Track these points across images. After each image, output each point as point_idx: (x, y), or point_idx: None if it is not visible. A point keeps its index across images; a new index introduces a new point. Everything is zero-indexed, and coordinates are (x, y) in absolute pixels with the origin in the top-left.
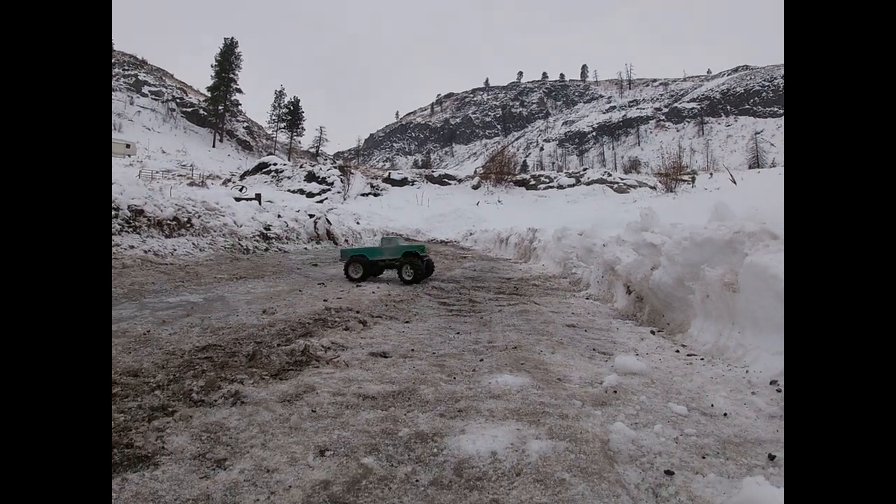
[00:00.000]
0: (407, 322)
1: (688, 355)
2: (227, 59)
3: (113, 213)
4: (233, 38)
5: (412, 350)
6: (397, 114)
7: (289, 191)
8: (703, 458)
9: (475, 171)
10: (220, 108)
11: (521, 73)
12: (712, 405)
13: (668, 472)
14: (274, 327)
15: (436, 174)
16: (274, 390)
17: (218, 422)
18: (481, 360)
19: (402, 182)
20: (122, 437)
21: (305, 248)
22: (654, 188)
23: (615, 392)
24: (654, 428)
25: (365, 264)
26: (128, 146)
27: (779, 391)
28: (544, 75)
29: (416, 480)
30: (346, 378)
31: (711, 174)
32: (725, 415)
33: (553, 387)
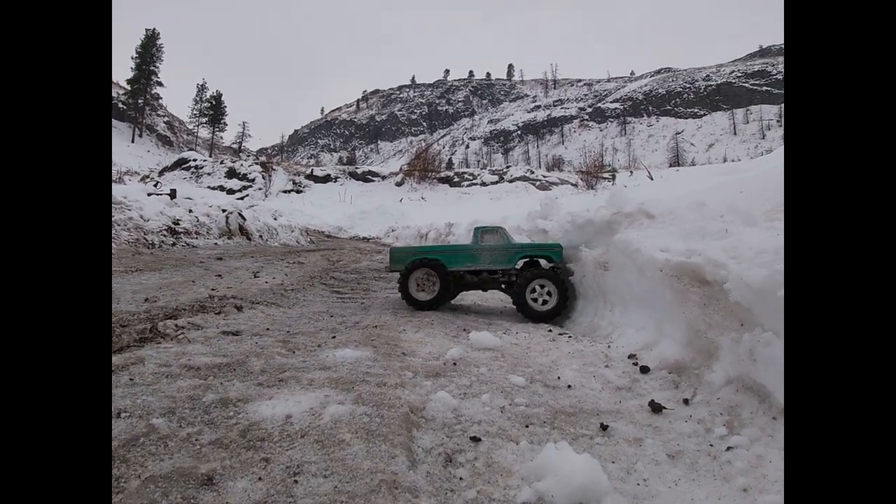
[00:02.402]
0: (286, 308)
1: (558, 335)
2: (148, 51)
3: None
4: (154, 28)
5: (267, 329)
6: (322, 110)
7: (209, 187)
8: (526, 427)
9: (400, 169)
10: (139, 101)
11: (447, 71)
12: (559, 378)
13: (475, 439)
14: (148, 313)
15: (360, 171)
16: None
17: None
18: (333, 337)
19: (326, 179)
20: None
21: (216, 244)
22: (575, 185)
23: (454, 364)
24: (481, 398)
25: (443, 274)
26: None
27: (635, 364)
28: (471, 73)
29: (197, 440)
30: (181, 352)
31: (632, 172)
32: (569, 387)
33: (392, 359)
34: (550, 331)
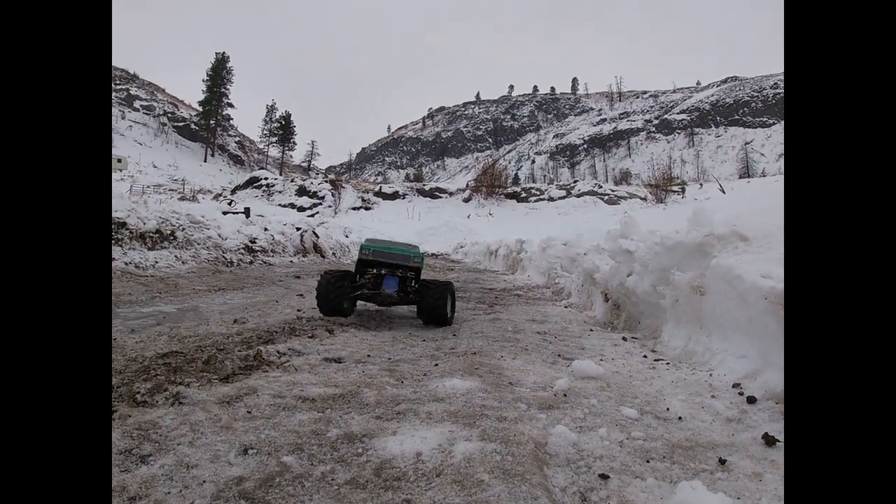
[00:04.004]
0: (374, 330)
1: (655, 360)
2: (219, 74)
3: None
4: (224, 52)
5: (368, 356)
6: (389, 128)
7: (280, 205)
8: (647, 462)
9: (466, 185)
10: (211, 122)
11: (511, 87)
12: (667, 409)
13: (604, 476)
14: (241, 336)
15: (427, 187)
16: (216, 392)
17: (153, 420)
18: (436, 364)
19: (394, 196)
20: None
21: (291, 261)
22: (644, 199)
23: (565, 396)
24: (598, 431)
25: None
26: (119, 161)
27: (740, 395)
28: (535, 88)
29: (332, 479)
30: (291, 381)
31: (701, 185)
32: (680, 418)
33: (501, 390)
34: (646, 357)
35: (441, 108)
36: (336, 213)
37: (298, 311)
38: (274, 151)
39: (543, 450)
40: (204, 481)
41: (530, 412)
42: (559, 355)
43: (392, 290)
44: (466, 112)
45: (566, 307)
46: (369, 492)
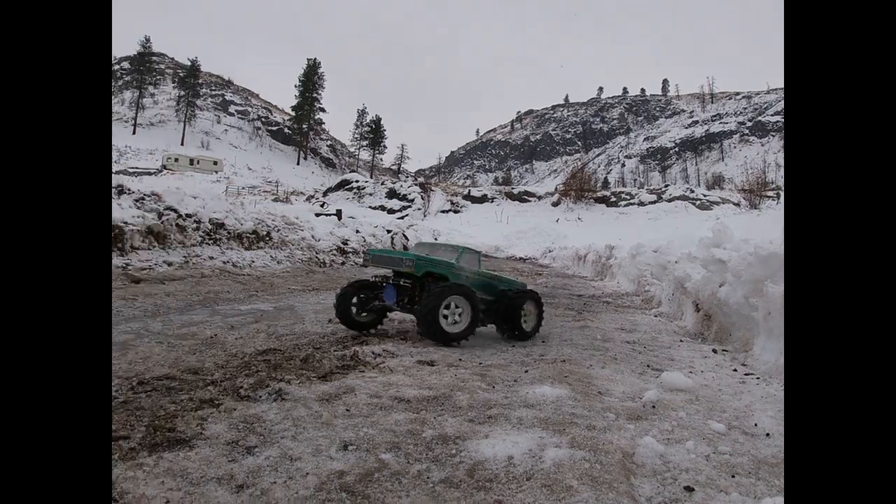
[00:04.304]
0: None
1: (745, 374)
2: (311, 79)
3: (195, 225)
4: (315, 58)
5: (459, 360)
6: (477, 131)
7: (370, 207)
8: (732, 476)
9: (555, 188)
10: (303, 126)
11: (601, 89)
12: (756, 424)
13: (688, 489)
14: (335, 335)
15: (515, 191)
16: (316, 390)
17: (257, 414)
18: (526, 371)
19: (482, 199)
20: (167, 423)
21: None
22: (737, 205)
23: (654, 407)
24: (685, 444)
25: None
26: (215, 163)
27: None
28: (625, 90)
29: (428, 477)
30: (387, 382)
31: None
32: (768, 435)
33: (590, 399)
34: (736, 370)
35: (529, 111)
36: (425, 215)
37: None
38: (364, 155)
39: (631, 460)
40: (307, 473)
41: (619, 422)
42: (648, 366)
43: (391, 301)
44: (555, 115)
45: (656, 316)
46: (462, 491)
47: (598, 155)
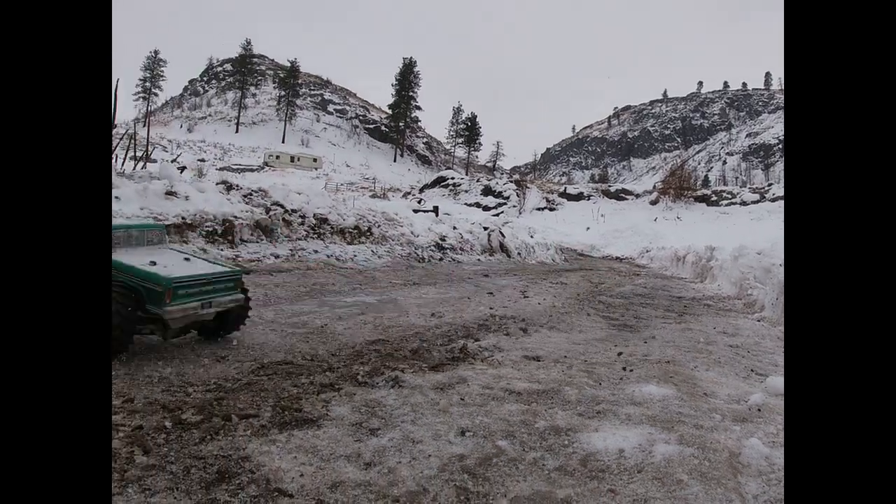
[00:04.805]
0: (567, 332)
1: None
2: (407, 78)
3: (300, 220)
4: (411, 57)
5: (564, 357)
6: (574, 128)
7: (465, 204)
8: None
9: (654, 186)
10: (400, 124)
11: (700, 83)
12: None
13: None
14: (439, 329)
15: (612, 189)
16: (430, 379)
17: (377, 399)
18: (631, 370)
19: (578, 197)
20: (293, 403)
21: (478, 260)
22: None
23: (759, 411)
24: None
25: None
26: (315, 160)
27: None
28: (725, 84)
29: (543, 465)
30: (497, 375)
31: None
32: None
33: (696, 400)
34: None
35: (627, 107)
36: (520, 213)
37: (490, 308)
38: (460, 152)
39: (737, 459)
40: (429, 455)
41: (725, 423)
42: (752, 370)
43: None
44: (653, 111)
45: (758, 321)
46: (576, 479)
47: (697, 152)
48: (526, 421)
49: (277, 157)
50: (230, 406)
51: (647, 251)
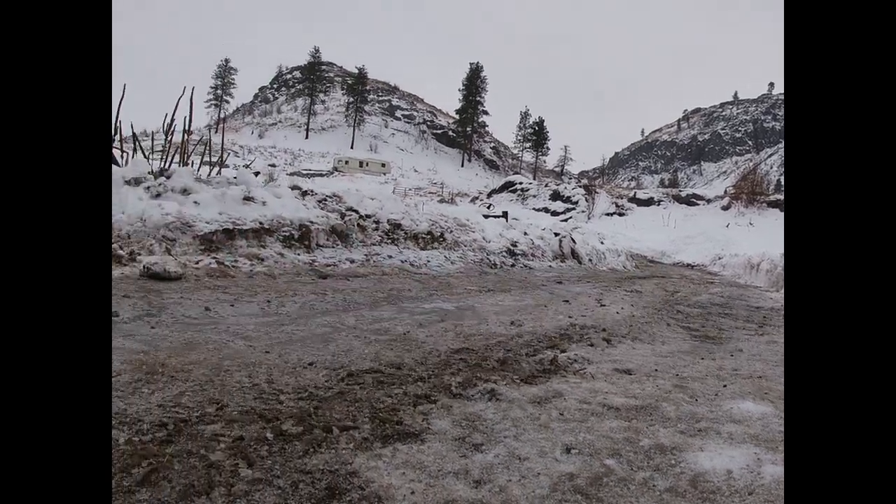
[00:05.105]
0: (650, 344)
1: None
2: (474, 83)
3: (374, 225)
4: (478, 62)
5: (655, 370)
6: (643, 131)
7: (534, 209)
8: None
9: (725, 191)
10: (467, 129)
11: (772, 85)
12: None
13: None
14: (521, 338)
15: (683, 194)
16: (525, 392)
17: (475, 413)
18: (724, 385)
19: (648, 202)
20: (392, 415)
21: (550, 266)
22: None
23: None
24: None
25: None
26: (383, 165)
27: None
28: None
29: (653, 485)
30: (592, 389)
31: None
32: None
33: None
34: None
35: (697, 110)
36: (589, 218)
37: (570, 317)
38: (528, 156)
39: None
40: (538, 473)
41: None
42: None
43: None
44: (724, 113)
45: None
46: (689, 500)
47: (770, 155)
48: (629, 438)
49: (346, 162)
50: (327, 416)
51: (720, 258)
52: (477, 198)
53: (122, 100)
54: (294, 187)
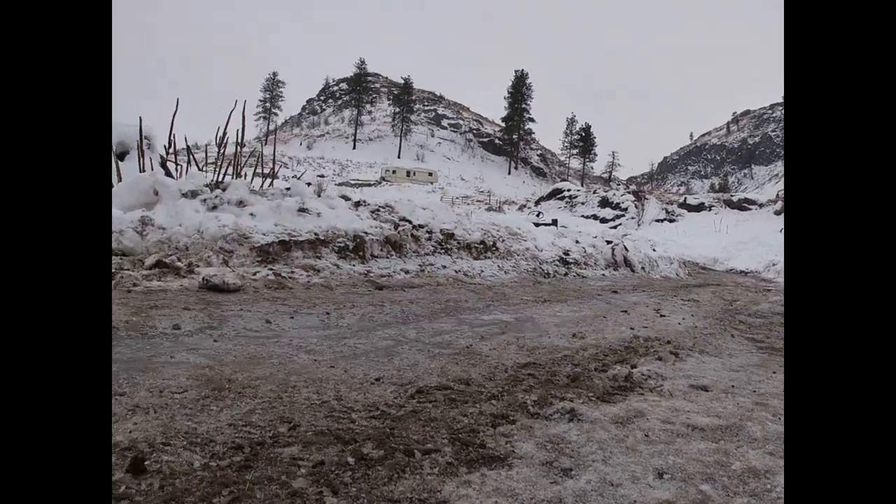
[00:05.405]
0: (718, 357)
1: None
2: (519, 91)
3: (427, 235)
4: (523, 70)
5: (732, 387)
6: (691, 135)
7: (582, 216)
8: None
9: (777, 195)
10: (513, 137)
11: None
12: None
13: None
14: (586, 351)
15: (734, 198)
16: (605, 412)
17: (558, 435)
18: None
19: (699, 207)
20: (472, 437)
21: (603, 275)
22: None
23: None
24: None
25: None
26: (430, 174)
27: None
28: None
29: None
30: (673, 407)
31: None
32: None
33: None
34: None
35: (746, 112)
36: (639, 224)
37: (631, 328)
38: (575, 163)
39: None
40: (635, 501)
41: None
42: None
43: None
44: (774, 115)
45: None
46: None
47: None
48: (720, 461)
49: (394, 171)
50: (405, 437)
51: (774, 264)
52: (524, 205)
53: (175, 114)
54: (344, 197)
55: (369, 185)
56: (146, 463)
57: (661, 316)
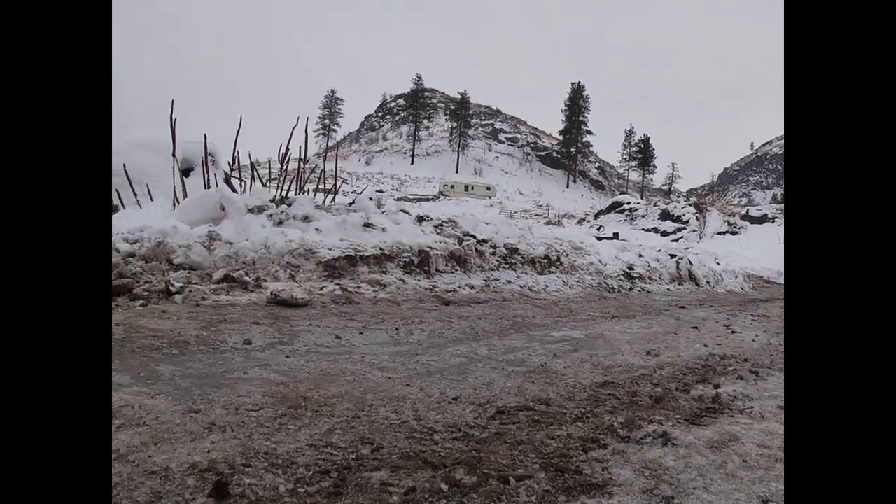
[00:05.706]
0: None
1: None
2: (576, 103)
3: (491, 250)
4: (580, 82)
5: None
6: (751, 144)
7: (643, 229)
8: None
9: None
10: (571, 150)
11: None
12: None
13: None
14: (663, 370)
15: None
16: (699, 435)
17: (654, 460)
18: None
19: (762, 219)
20: (566, 463)
21: (668, 289)
22: None
23: None
24: None
25: None
26: (488, 188)
27: None
28: None
29: None
30: (766, 430)
31: None
32: None
33: None
34: None
35: None
36: (701, 237)
37: (705, 346)
38: (634, 175)
39: None
40: None
41: None
42: None
43: None
44: None
45: None
46: None
47: None
48: None
49: (452, 186)
50: (495, 462)
51: None
52: (583, 219)
53: (238, 132)
54: (403, 212)
55: (427, 199)
56: (228, 487)
57: (733, 332)
